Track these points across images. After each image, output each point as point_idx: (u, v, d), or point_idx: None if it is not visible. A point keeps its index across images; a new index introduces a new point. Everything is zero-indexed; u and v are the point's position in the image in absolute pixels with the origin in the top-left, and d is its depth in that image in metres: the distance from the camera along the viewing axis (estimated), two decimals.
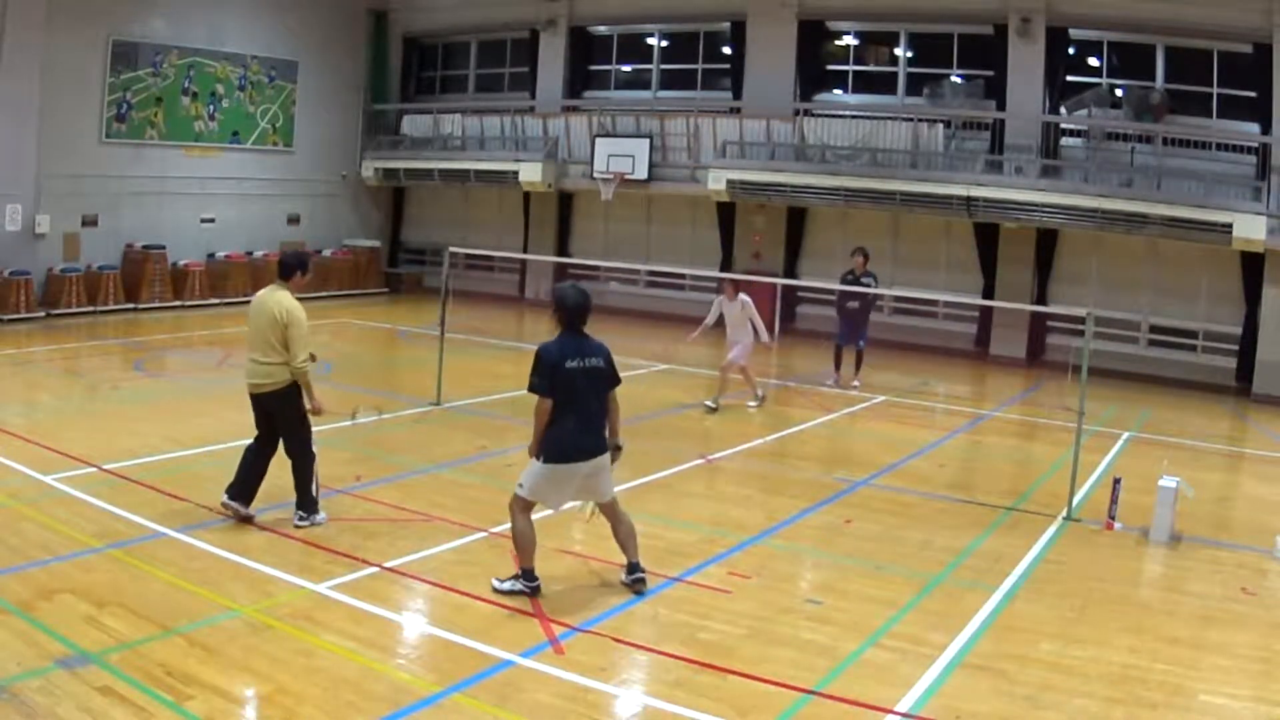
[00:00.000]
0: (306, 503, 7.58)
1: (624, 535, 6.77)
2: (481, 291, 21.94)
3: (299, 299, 7.47)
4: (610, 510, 6.77)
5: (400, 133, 23.60)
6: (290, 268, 7.53)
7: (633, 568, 6.76)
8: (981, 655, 6.05)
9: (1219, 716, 5.52)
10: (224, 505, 7.48)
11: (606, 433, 6.61)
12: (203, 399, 12.08)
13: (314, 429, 7.64)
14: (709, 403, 12.53)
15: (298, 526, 7.47)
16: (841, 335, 14.58)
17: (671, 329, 19.71)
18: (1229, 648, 6.40)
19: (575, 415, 6.41)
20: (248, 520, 7.48)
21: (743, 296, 12.55)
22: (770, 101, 19.39)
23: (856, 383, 14.46)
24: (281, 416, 7.45)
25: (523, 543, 6.54)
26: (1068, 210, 16.30)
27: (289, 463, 7.53)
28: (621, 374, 6.63)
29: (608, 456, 6.60)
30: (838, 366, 14.61)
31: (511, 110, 22.20)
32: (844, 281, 14.23)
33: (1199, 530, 8.74)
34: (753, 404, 12.84)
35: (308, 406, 7.50)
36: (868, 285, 14.17)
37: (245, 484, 7.49)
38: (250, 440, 7.63)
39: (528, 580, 6.54)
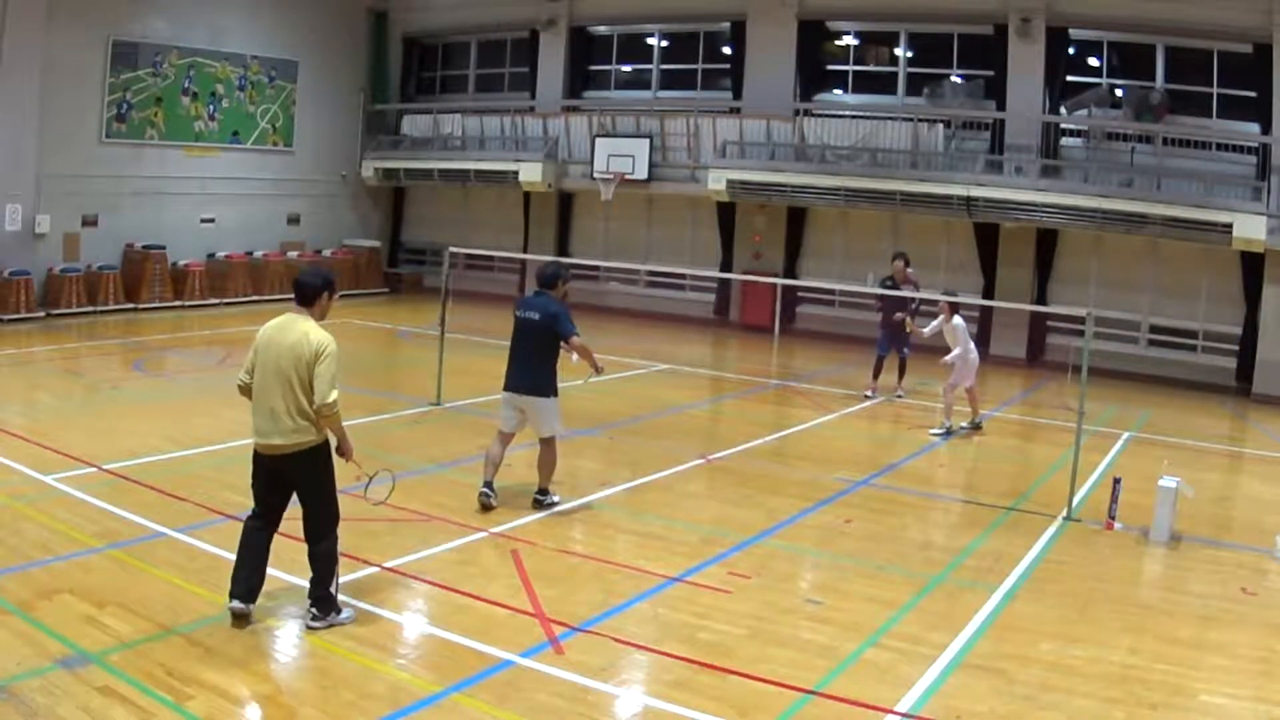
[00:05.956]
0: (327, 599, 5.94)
1: (539, 464, 8.26)
2: (481, 291, 21.92)
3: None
4: (543, 444, 8.20)
5: (400, 133, 23.62)
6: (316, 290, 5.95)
7: (541, 490, 8.31)
8: (981, 655, 6.05)
9: (1219, 716, 5.52)
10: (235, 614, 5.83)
11: (542, 376, 8.02)
12: (203, 399, 12.08)
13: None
14: (935, 430, 12.12)
15: (311, 628, 5.85)
16: (882, 344, 14.03)
17: (672, 329, 19.79)
18: (1229, 648, 6.40)
19: (511, 354, 8.17)
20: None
21: (956, 319, 12.09)
22: (770, 101, 19.39)
23: (900, 392, 14.07)
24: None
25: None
26: (1068, 210, 16.31)
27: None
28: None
29: (539, 399, 8.02)
30: (876, 376, 14.04)
31: (511, 110, 22.22)
32: (884, 287, 13.81)
33: (1199, 530, 8.75)
34: (965, 425, 12.28)
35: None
36: (910, 292, 13.55)
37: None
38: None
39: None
